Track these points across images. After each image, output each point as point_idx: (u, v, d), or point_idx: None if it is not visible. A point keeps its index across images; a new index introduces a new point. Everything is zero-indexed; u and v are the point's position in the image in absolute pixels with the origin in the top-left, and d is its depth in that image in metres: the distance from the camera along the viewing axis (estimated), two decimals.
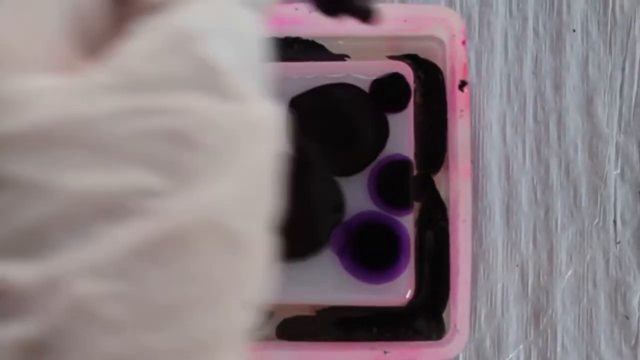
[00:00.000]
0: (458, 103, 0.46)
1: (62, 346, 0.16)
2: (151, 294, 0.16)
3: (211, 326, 0.17)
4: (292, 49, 0.49)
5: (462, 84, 0.46)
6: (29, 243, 0.16)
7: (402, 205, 0.47)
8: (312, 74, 0.48)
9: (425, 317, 0.47)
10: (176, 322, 0.17)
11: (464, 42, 0.46)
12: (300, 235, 0.47)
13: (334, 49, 0.49)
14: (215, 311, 0.17)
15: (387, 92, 0.47)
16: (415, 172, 0.47)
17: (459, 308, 0.45)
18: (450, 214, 0.47)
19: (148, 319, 0.16)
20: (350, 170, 0.47)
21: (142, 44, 0.18)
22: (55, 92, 0.17)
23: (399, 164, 0.47)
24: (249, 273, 0.18)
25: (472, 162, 0.49)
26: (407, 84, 0.47)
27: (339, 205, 0.47)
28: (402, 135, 0.47)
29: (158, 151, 0.17)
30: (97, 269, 0.16)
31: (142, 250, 0.16)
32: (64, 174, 0.16)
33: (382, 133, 0.47)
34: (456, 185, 0.46)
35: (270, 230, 0.19)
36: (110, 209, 0.16)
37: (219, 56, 0.18)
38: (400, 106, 0.47)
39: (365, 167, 0.47)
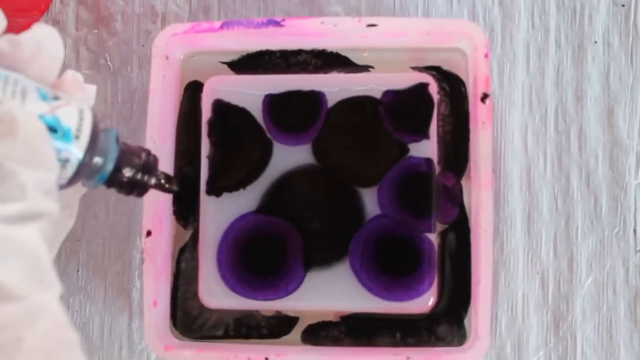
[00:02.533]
0: (480, 115, 0.47)
1: None
2: None
3: None
4: (318, 60, 0.50)
5: (484, 97, 0.47)
6: None
7: (424, 214, 0.48)
8: (338, 86, 0.49)
9: (447, 323, 0.48)
10: None
11: (486, 55, 0.47)
12: (323, 243, 0.48)
13: (358, 60, 0.50)
14: None
15: (411, 104, 0.48)
16: (437, 180, 0.48)
17: (480, 316, 0.46)
18: (472, 224, 0.48)
19: None
20: (371, 180, 0.48)
21: None
22: None
23: (422, 173, 0.48)
24: None
25: (494, 171, 0.50)
26: (430, 96, 0.48)
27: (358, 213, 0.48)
28: (425, 144, 0.48)
29: None
30: None
31: None
32: None
33: (402, 145, 0.48)
34: (478, 196, 0.47)
35: None
36: None
37: None
38: (424, 117, 0.48)
39: (384, 176, 0.48)
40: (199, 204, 0.49)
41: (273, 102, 0.49)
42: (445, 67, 0.50)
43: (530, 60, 0.51)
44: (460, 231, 0.48)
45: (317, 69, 0.50)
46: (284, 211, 0.48)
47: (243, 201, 0.49)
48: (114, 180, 0.37)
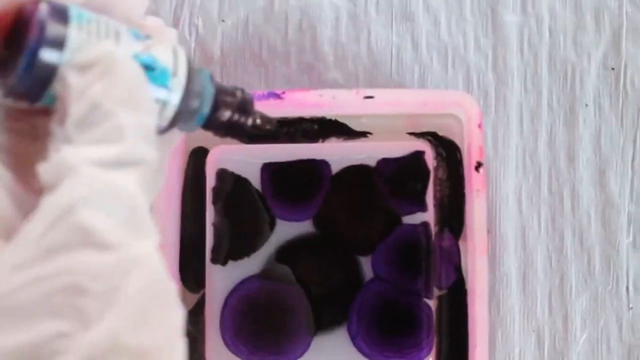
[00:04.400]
0: (474, 183, 0.48)
1: None
2: None
3: None
4: (317, 127, 0.52)
5: (478, 165, 0.48)
6: None
7: (422, 280, 0.49)
8: (338, 155, 0.51)
9: None
10: None
11: (479, 125, 0.48)
12: (326, 307, 0.50)
13: (356, 126, 0.52)
14: None
15: (407, 175, 0.50)
16: (434, 244, 0.50)
17: None
18: (468, 287, 0.49)
19: None
20: (370, 249, 0.50)
21: (37, 224, 0.24)
22: None
23: (419, 239, 0.50)
24: None
25: (490, 232, 0.52)
26: (426, 167, 0.50)
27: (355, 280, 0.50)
28: (422, 209, 0.50)
29: (61, 303, 0.23)
30: None
31: None
32: None
33: (398, 215, 0.50)
34: (473, 262, 0.48)
35: (178, 328, 0.25)
36: (34, 356, 0.23)
37: (92, 219, 0.24)
38: (419, 189, 0.50)
39: (382, 244, 0.50)
40: (204, 268, 0.51)
41: (275, 173, 0.51)
42: (441, 133, 0.51)
43: (524, 123, 0.53)
44: (457, 293, 0.50)
45: (315, 136, 0.52)
46: (288, 277, 0.50)
47: (248, 267, 0.50)
48: (211, 123, 0.35)
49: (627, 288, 0.52)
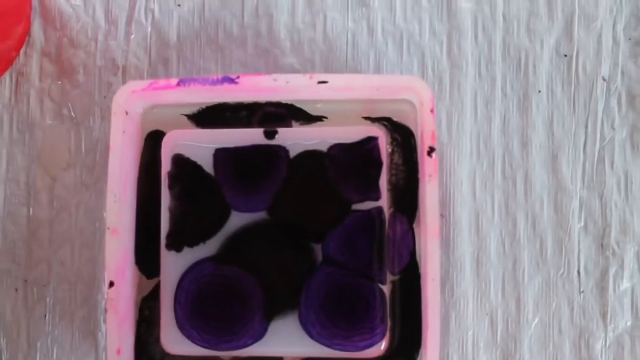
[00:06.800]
0: (427, 168, 0.49)
1: None
2: None
3: None
4: (272, 111, 0.52)
5: (431, 150, 0.49)
6: None
7: (376, 265, 0.50)
8: (291, 140, 0.51)
9: None
10: None
11: (432, 110, 0.49)
12: (279, 293, 0.50)
13: (312, 111, 0.52)
14: None
15: (359, 161, 0.50)
16: (389, 228, 0.50)
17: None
18: (422, 271, 0.50)
19: None
20: (323, 235, 0.50)
21: None
22: None
23: (372, 225, 0.50)
24: None
25: (444, 216, 0.52)
26: (378, 155, 0.50)
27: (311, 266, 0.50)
28: (376, 196, 0.50)
29: None
30: None
31: None
32: None
33: (349, 202, 0.50)
34: (426, 246, 0.49)
35: None
36: None
37: None
38: (372, 177, 0.50)
39: (335, 230, 0.50)
40: (160, 254, 0.51)
41: (229, 159, 0.51)
42: (395, 118, 0.52)
43: (478, 109, 0.54)
44: (410, 277, 0.50)
45: (271, 121, 0.52)
46: (242, 262, 0.50)
47: (203, 254, 0.50)
48: None
49: (579, 272, 0.53)
